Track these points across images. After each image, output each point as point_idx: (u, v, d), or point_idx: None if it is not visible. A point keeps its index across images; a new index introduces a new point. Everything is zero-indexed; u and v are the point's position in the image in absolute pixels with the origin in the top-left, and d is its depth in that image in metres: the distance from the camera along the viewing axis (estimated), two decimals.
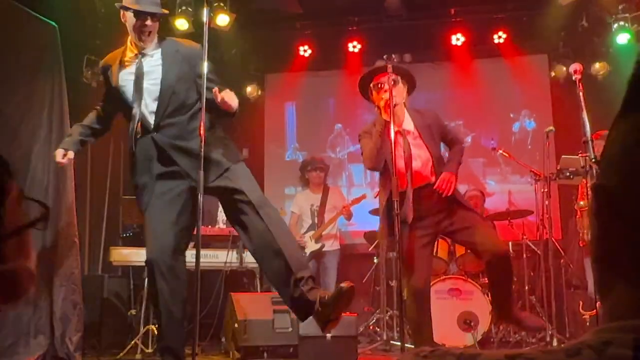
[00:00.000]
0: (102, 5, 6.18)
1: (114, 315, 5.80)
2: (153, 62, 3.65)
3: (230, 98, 3.43)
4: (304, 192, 7.03)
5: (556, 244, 5.77)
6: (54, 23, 4.32)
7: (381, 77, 3.82)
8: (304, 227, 6.84)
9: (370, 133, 3.85)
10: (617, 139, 0.58)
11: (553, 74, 7.51)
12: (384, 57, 3.69)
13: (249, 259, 5.87)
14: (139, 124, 3.60)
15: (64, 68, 4.38)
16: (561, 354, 0.54)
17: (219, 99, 3.40)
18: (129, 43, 3.70)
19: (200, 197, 3.32)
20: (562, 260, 6.08)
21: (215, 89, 3.44)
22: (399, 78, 3.84)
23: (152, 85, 3.61)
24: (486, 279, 6.08)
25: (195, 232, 3.43)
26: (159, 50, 3.67)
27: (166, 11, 3.77)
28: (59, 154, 3.63)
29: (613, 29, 6.73)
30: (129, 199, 6.50)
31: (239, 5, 6.80)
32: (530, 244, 6.10)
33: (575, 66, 3.57)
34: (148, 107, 3.60)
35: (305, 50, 7.90)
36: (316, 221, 6.80)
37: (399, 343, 4.67)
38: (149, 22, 3.58)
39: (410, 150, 3.81)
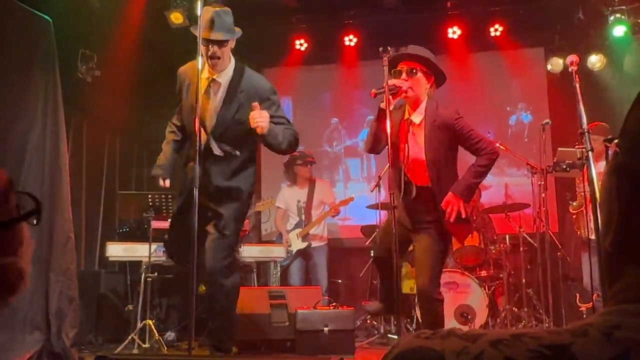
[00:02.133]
0: (97, 0, 6.15)
1: (110, 310, 5.80)
2: (220, 93, 3.74)
3: (259, 116, 3.55)
4: (291, 187, 6.95)
5: (553, 236, 5.78)
6: (48, 17, 4.29)
7: (402, 64, 3.76)
8: (290, 224, 6.81)
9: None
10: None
11: (549, 66, 7.49)
12: (380, 49, 3.66)
13: (245, 253, 5.87)
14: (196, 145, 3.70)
15: (59, 63, 4.35)
16: (567, 334, 0.53)
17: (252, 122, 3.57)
18: (205, 62, 3.74)
19: (196, 192, 3.31)
20: (558, 253, 6.09)
21: (255, 103, 3.58)
22: (419, 68, 3.73)
23: (213, 114, 3.67)
24: (483, 272, 6.11)
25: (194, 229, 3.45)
26: (229, 79, 3.75)
27: (237, 32, 3.77)
28: (161, 181, 3.91)
29: (609, 22, 6.71)
30: (125, 194, 6.49)
31: None
32: (527, 237, 6.10)
33: (571, 58, 3.55)
34: (202, 132, 3.68)
35: (301, 44, 7.88)
36: (303, 218, 6.76)
37: (396, 336, 4.67)
38: (216, 49, 3.62)
39: (408, 144, 3.75)
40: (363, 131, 8.18)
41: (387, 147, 3.56)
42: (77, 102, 6.06)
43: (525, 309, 5.83)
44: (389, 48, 3.72)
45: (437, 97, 3.89)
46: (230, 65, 3.76)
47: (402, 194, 3.72)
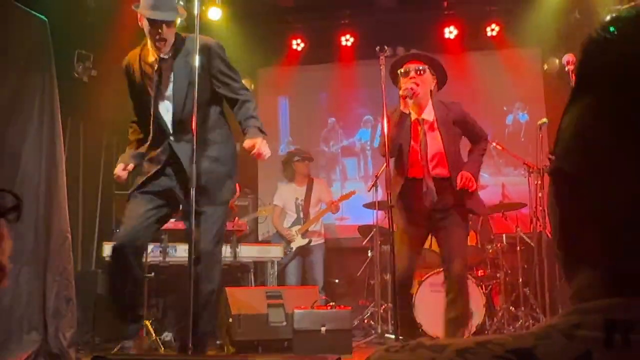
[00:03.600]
0: (93, 0, 6.14)
1: (107, 310, 5.78)
2: (169, 67, 3.61)
3: (263, 148, 3.56)
4: (289, 184, 6.98)
5: (550, 236, 5.78)
6: (44, 17, 4.28)
7: (410, 64, 3.82)
8: (288, 222, 6.83)
9: (390, 118, 3.83)
10: (571, 124, 0.59)
11: (546, 66, 7.50)
12: (377, 49, 3.68)
13: (243, 253, 5.86)
14: (158, 128, 3.64)
15: (55, 63, 4.34)
16: (531, 338, 0.54)
17: (252, 152, 3.54)
18: (148, 45, 3.64)
19: (193, 192, 3.31)
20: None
21: (248, 141, 3.53)
22: (427, 67, 3.83)
23: (169, 91, 3.60)
24: (480, 272, 6.11)
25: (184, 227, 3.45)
26: (172, 54, 3.62)
27: (183, 13, 3.68)
28: (119, 168, 3.74)
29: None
30: (121, 194, 6.46)
31: None
32: (524, 236, 6.11)
33: (568, 57, 3.57)
34: (167, 113, 3.61)
35: (297, 44, 7.89)
36: (301, 215, 6.78)
37: (393, 336, 4.67)
38: (163, 30, 3.49)
39: (426, 139, 3.82)
40: (360, 131, 8.19)
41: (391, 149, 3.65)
42: (73, 102, 6.04)
43: (523, 309, 5.83)
44: (385, 48, 3.75)
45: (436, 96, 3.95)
46: (173, 40, 3.63)
47: (428, 190, 3.81)
